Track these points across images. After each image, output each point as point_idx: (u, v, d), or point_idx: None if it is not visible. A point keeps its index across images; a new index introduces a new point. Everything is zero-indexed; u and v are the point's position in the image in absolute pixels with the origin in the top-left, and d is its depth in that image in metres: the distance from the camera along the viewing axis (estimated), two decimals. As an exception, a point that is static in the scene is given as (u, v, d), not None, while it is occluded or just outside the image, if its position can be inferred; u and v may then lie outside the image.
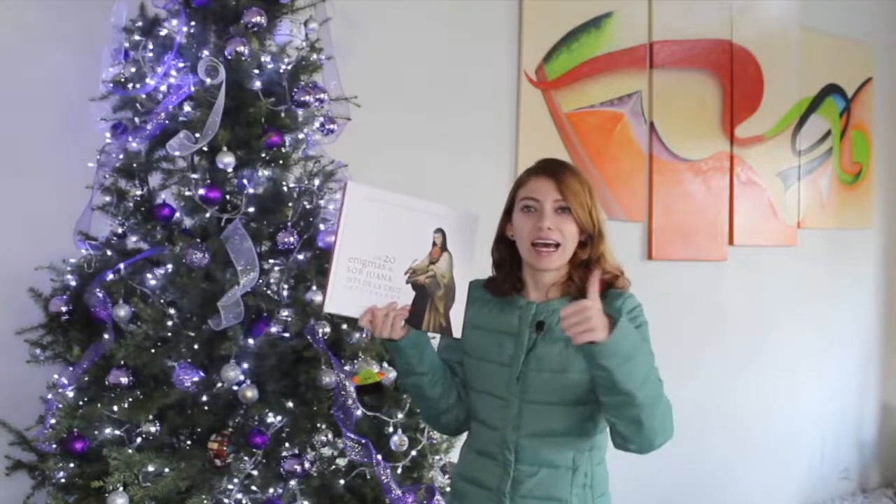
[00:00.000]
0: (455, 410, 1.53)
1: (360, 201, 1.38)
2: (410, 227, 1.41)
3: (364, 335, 1.91)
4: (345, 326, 1.91)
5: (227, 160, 1.83)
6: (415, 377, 1.47)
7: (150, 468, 1.72)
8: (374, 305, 1.37)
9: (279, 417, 1.82)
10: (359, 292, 1.37)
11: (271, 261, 1.95)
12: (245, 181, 1.87)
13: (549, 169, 1.46)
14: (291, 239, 1.88)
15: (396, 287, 1.40)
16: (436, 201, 1.44)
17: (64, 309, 1.91)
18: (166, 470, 1.73)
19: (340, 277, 1.36)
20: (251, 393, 1.77)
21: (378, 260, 1.39)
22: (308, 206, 1.97)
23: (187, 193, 1.86)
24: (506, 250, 1.53)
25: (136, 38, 1.99)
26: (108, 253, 1.93)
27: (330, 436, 1.88)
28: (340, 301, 1.37)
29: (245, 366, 1.78)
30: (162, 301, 1.84)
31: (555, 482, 1.41)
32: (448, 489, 1.94)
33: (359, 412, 1.84)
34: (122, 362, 1.78)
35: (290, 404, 1.86)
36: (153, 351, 1.79)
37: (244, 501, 1.78)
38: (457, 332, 1.43)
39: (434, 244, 1.43)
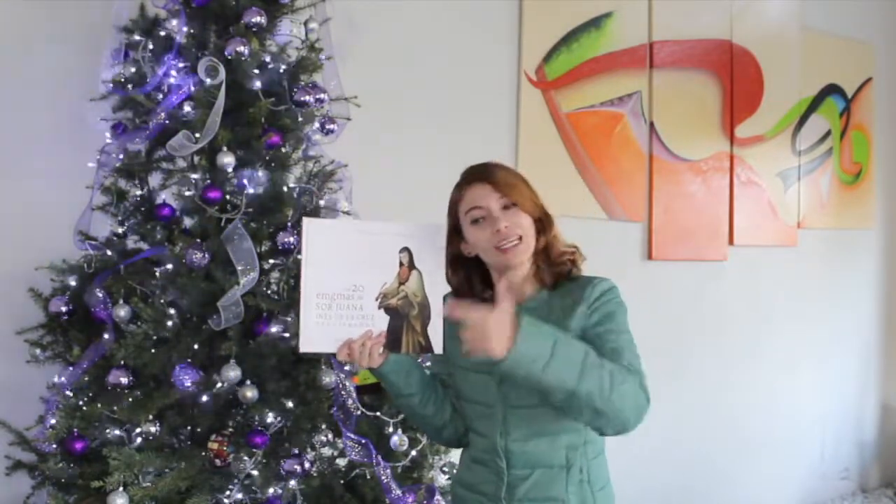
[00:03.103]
0: (453, 424, 1.54)
1: (319, 236, 1.38)
2: (374, 251, 1.39)
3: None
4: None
5: (227, 160, 1.83)
6: (404, 399, 1.47)
7: (150, 468, 1.72)
8: (350, 338, 1.36)
9: (279, 417, 1.82)
10: (331, 327, 1.36)
11: (271, 261, 1.95)
12: (245, 181, 1.87)
13: (479, 174, 1.45)
14: (291, 239, 1.88)
15: (369, 314, 1.38)
16: (396, 221, 1.41)
17: (64, 309, 1.91)
18: (166, 470, 1.73)
19: (311, 315, 1.36)
20: (251, 393, 1.77)
21: (346, 291, 1.37)
22: (308, 207, 1.97)
23: (187, 193, 1.87)
24: (464, 270, 1.49)
25: (136, 38, 1.99)
26: (108, 253, 1.93)
27: (330, 436, 1.88)
28: (314, 339, 1.36)
29: (245, 366, 1.78)
30: (162, 301, 1.84)
31: (550, 482, 1.40)
32: (448, 492, 1.94)
33: (359, 412, 1.84)
34: (122, 362, 1.78)
35: (290, 404, 1.86)
36: (153, 351, 1.79)
37: (244, 501, 1.78)
38: (437, 348, 1.41)
39: (401, 264, 1.41)
